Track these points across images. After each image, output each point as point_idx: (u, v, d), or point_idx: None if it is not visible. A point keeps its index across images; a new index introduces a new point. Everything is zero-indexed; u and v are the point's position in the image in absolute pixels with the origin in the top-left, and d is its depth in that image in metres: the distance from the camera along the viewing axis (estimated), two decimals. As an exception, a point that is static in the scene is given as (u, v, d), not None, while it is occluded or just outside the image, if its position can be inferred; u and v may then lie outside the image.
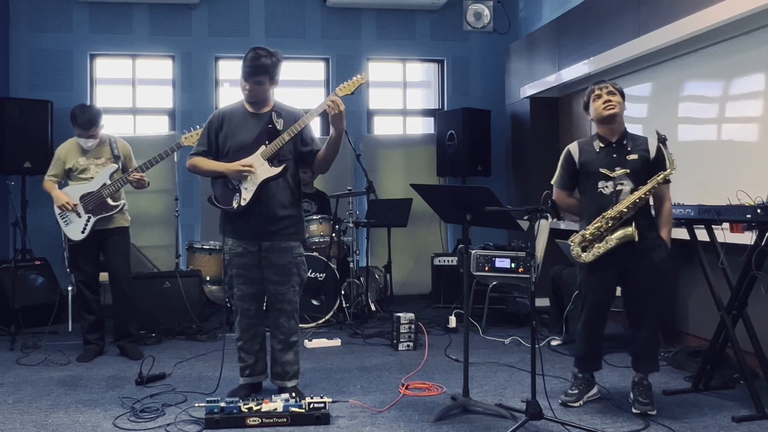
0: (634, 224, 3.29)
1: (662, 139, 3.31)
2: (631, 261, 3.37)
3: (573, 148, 3.55)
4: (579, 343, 3.60)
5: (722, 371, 3.74)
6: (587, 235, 3.35)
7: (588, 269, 3.44)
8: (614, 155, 3.41)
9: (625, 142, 3.43)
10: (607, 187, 3.39)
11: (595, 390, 3.58)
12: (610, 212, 3.31)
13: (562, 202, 3.59)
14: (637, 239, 3.28)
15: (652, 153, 3.39)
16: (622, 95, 3.45)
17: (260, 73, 3.42)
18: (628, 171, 3.36)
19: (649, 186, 3.30)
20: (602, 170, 3.40)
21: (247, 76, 3.44)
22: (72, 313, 5.27)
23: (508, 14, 7.60)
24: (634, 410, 3.34)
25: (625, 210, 3.29)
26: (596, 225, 3.33)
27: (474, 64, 7.65)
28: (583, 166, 3.48)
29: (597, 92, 3.42)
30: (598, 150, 3.45)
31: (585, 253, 3.35)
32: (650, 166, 3.38)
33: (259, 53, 3.41)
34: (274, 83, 3.51)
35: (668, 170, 3.31)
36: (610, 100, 3.38)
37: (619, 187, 3.37)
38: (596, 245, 3.33)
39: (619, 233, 3.29)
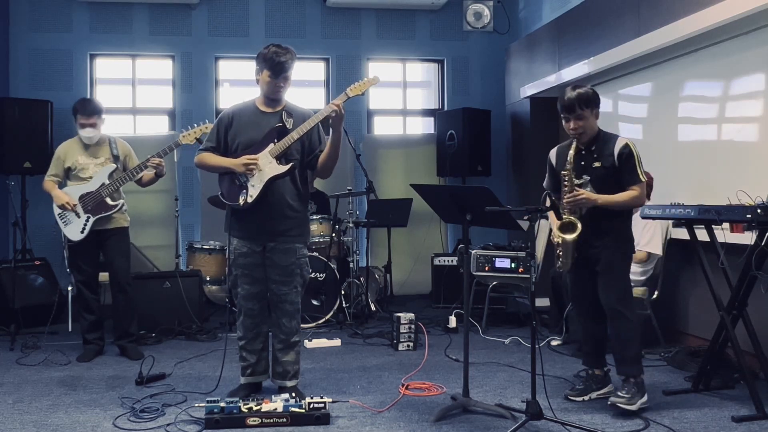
0: (579, 231, 3.35)
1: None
2: (591, 262, 3.47)
3: (552, 153, 3.69)
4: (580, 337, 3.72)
5: (722, 371, 3.74)
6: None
7: None
8: (582, 162, 3.47)
9: (593, 148, 3.47)
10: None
11: (608, 388, 3.59)
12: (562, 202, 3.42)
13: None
14: (572, 237, 3.35)
15: (616, 157, 3.39)
16: (592, 104, 3.45)
17: (288, 68, 3.47)
18: (590, 179, 3.43)
19: (613, 198, 3.36)
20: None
21: (278, 73, 3.44)
22: (72, 313, 5.27)
23: (508, 14, 7.59)
24: (608, 402, 3.36)
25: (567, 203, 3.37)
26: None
27: (474, 64, 7.65)
28: (559, 170, 3.54)
29: (565, 116, 3.48)
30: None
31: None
32: (616, 171, 3.40)
33: (280, 50, 3.44)
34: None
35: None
36: (575, 129, 3.45)
37: None
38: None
39: (566, 235, 3.39)
